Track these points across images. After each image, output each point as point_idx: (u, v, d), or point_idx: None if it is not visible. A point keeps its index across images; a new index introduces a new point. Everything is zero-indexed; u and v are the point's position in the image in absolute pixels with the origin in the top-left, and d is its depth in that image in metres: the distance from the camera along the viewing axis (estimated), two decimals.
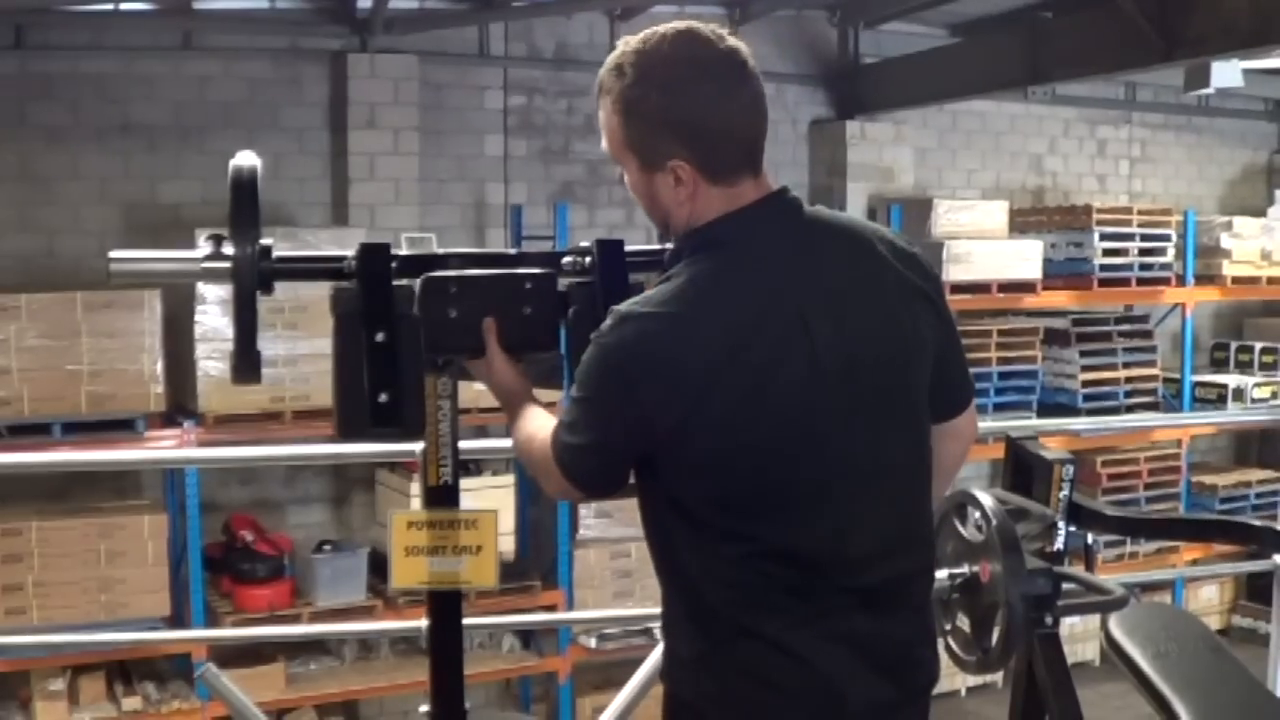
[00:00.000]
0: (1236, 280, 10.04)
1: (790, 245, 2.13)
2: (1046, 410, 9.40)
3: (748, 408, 2.03)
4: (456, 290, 2.43)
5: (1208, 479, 10.23)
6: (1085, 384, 9.55)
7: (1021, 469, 3.39)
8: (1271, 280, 10.15)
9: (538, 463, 2.28)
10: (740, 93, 2.11)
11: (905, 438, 2.20)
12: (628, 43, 2.13)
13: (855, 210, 8.92)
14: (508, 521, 7.36)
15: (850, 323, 2.10)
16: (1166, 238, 9.69)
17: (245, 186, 2.33)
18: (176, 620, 7.15)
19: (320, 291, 2.46)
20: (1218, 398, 10.04)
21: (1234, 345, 10.68)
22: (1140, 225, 9.59)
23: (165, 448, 6.96)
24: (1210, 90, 9.27)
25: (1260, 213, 10.75)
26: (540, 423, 2.33)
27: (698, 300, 2.06)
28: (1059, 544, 3.23)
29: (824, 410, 2.07)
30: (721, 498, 2.08)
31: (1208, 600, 10.30)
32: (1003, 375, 9.21)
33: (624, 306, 2.10)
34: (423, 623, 2.71)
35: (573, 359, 2.41)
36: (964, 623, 2.90)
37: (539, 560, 8.19)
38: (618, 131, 2.14)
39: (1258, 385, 10.05)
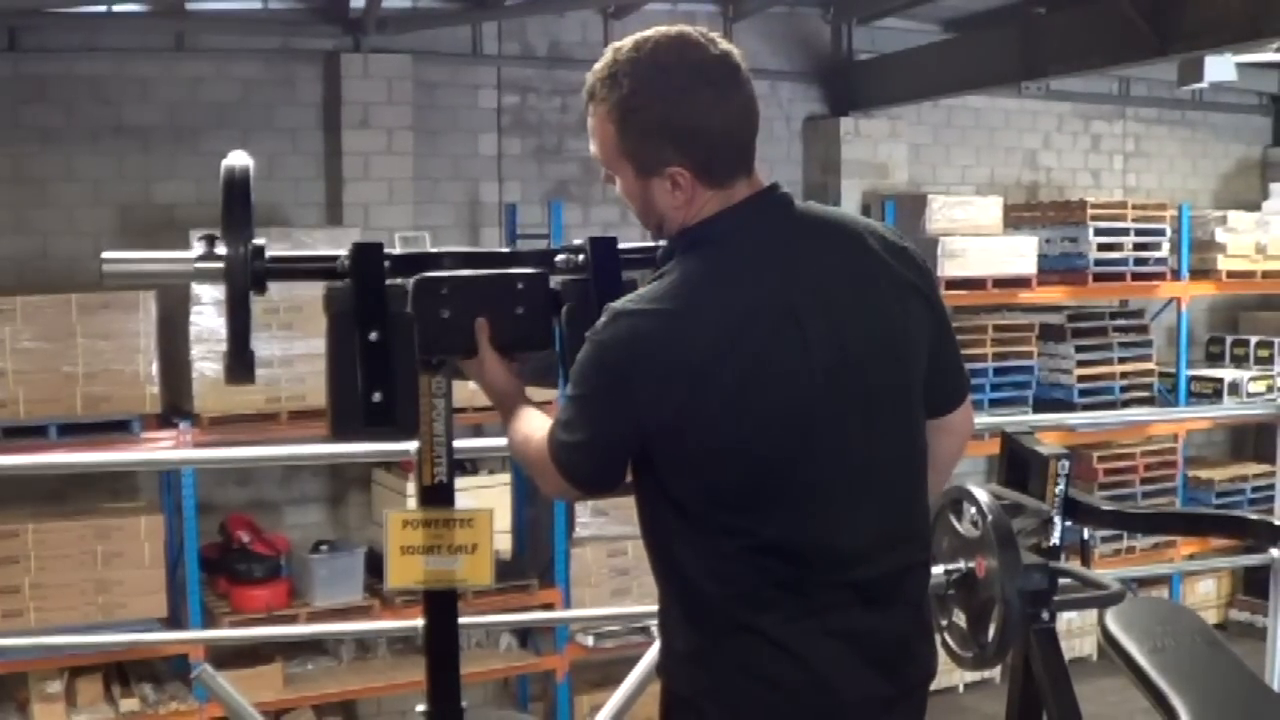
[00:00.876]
0: (1231, 274, 10.03)
1: (782, 241, 2.14)
2: (1042, 406, 9.41)
3: (741, 404, 2.03)
4: (449, 291, 2.43)
5: (1204, 473, 10.24)
6: (1081, 379, 9.55)
7: (1017, 464, 3.39)
8: (1266, 274, 10.14)
9: (534, 462, 2.28)
10: (735, 97, 2.12)
11: (900, 433, 2.20)
12: (619, 49, 2.12)
13: (850, 207, 8.92)
14: (504, 520, 7.36)
15: (843, 318, 2.11)
16: (1161, 232, 9.69)
17: (237, 186, 2.33)
18: (173, 621, 7.15)
19: (315, 291, 2.45)
20: (1213, 392, 10.04)
21: (1229, 339, 10.67)
22: (1135, 220, 9.58)
23: (161, 449, 6.95)
24: (1204, 85, 9.27)
25: (1255, 207, 10.74)
26: (535, 423, 2.33)
27: (691, 297, 2.06)
28: (1055, 539, 3.24)
29: (817, 406, 2.08)
30: (716, 493, 2.08)
31: (1205, 595, 10.31)
32: (998, 371, 9.21)
33: (618, 304, 2.11)
34: (419, 622, 2.71)
35: (567, 357, 2.41)
36: (960, 618, 2.90)
37: (536, 559, 8.19)
38: (612, 140, 2.13)
39: (1253, 379, 10.06)
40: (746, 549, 2.08)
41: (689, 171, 2.10)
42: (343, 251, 2.43)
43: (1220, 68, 8.71)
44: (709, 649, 2.12)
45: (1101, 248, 9.41)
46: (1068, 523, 3.29)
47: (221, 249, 2.34)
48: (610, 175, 2.21)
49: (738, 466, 2.06)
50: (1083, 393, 9.54)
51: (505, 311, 2.45)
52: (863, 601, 2.12)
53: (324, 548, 7.67)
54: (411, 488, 4.67)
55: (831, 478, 2.11)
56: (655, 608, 2.27)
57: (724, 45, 2.12)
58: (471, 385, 2.53)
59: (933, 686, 2.29)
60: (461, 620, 2.72)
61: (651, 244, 2.57)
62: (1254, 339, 10.50)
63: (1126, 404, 9.62)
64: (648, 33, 2.13)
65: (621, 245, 2.55)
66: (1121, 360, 9.74)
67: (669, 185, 2.12)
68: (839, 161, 9.47)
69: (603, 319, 2.10)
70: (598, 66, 2.14)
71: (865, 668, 2.12)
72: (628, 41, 2.12)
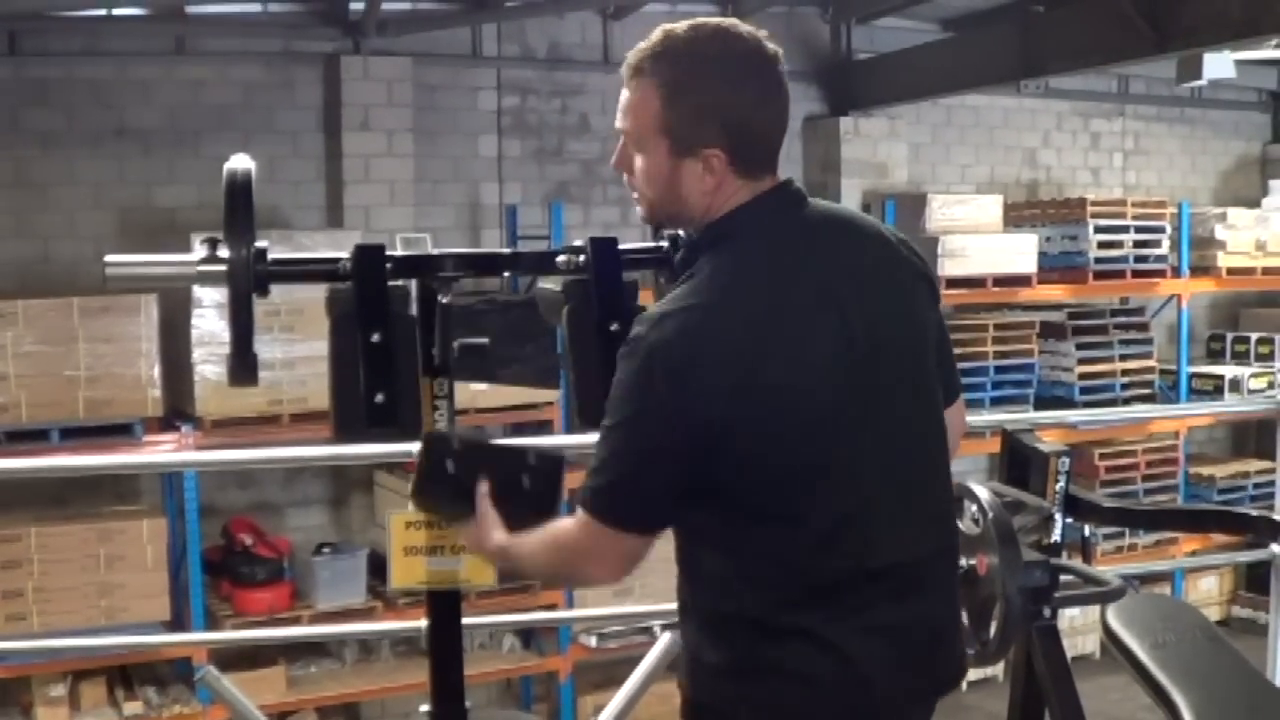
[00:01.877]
0: (1231, 271, 10.03)
1: (807, 230, 2.17)
2: (1044, 403, 9.41)
3: (789, 393, 2.04)
4: (461, 448, 2.39)
5: (1205, 470, 10.23)
6: (1082, 377, 9.55)
7: (1018, 462, 3.40)
8: (1266, 271, 10.14)
9: (570, 552, 2.19)
10: (777, 97, 2.17)
11: (928, 417, 2.24)
12: (672, 30, 2.14)
13: (850, 206, 8.91)
14: None
15: (871, 304, 2.14)
16: (1161, 230, 9.69)
17: (240, 189, 2.34)
18: (176, 624, 7.14)
19: (317, 294, 2.46)
20: (1214, 389, 10.04)
21: (1230, 336, 10.67)
22: (1135, 217, 9.58)
23: (163, 452, 6.95)
24: (1203, 82, 9.27)
25: (1254, 203, 10.75)
26: (540, 533, 2.25)
27: (732, 286, 2.07)
28: (1056, 536, 3.24)
29: (858, 391, 2.10)
30: (762, 489, 2.06)
31: (1207, 591, 10.31)
32: (999, 369, 9.20)
33: (657, 308, 2.08)
34: (423, 623, 2.72)
35: (569, 355, 2.42)
36: (962, 615, 2.91)
37: None
38: (655, 114, 2.12)
39: (1254, 376, 10.05)
40: (788, 545, 2.08)
41: (725, 156, 2.11)
42: (344, 254, 2.44)
43: (1219, 65, 8.71)
44: (745, 655, 2.10)
45: (1102, 245, 9.41)
46: (1069, 520, 3.30)
47: (224, 251, 2.35)
48: (625, 158, 2.20)
49: (785, 457, 2.05)
50: (1084, 390, 9.55)
51: (511, 480, 2.36)
52: (900, 593, 2.14)
53: (326, 550, 7.68)
54: None
55: (873, 465, 2.12)
56: (658, 608, 2.27)
57: (773, 48, 2.16)
58: (474, 386, 2.54)
59: None
60: (464, 621, 2.72)
61: (652, 244, 2.59)
62: (1254, 336, 10.50)
63: (1127, 401, 9.62)
64: (702, 20, 2.15)
65: (622, 246, 2.56)
66: (1122, 358, 9.74)
67: (701, 168, 2.12)
68: (839, 161, 9.48)
69: (642, 326, 2.06)
70: (645, 45, 2.14)
71: (903, 661, 2.13)
72: (681, 25, 2.14)
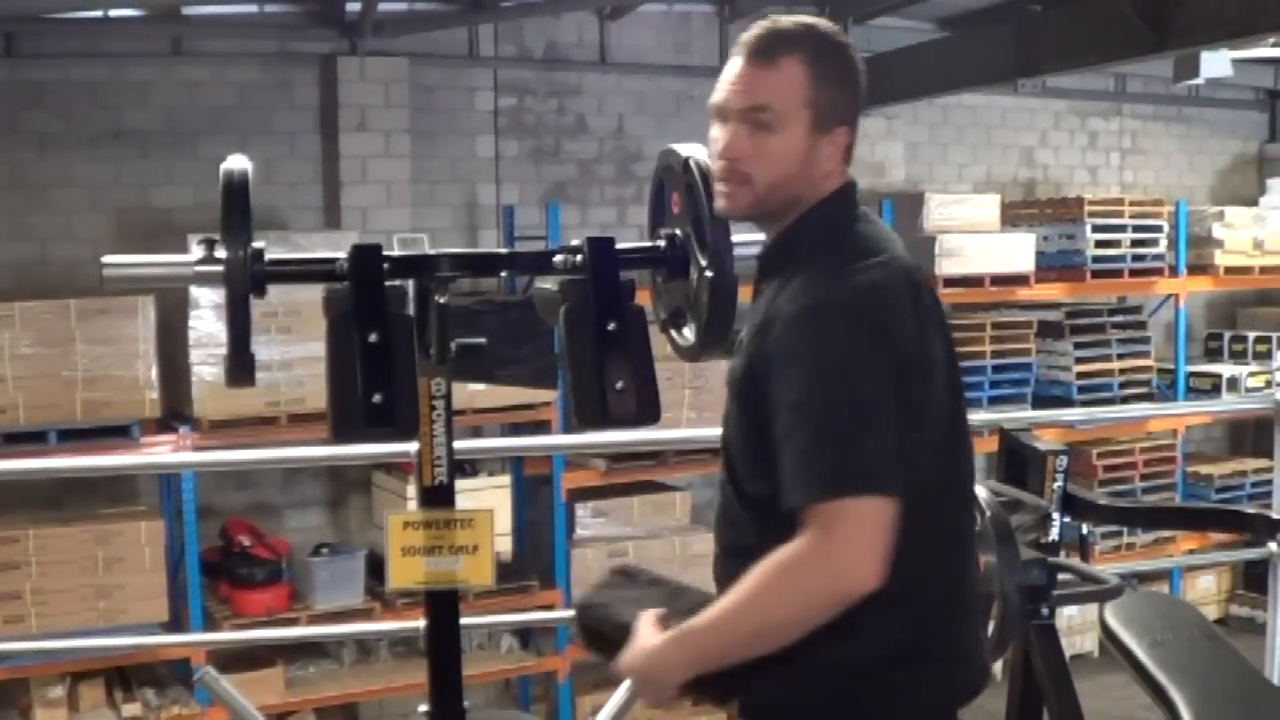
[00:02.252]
0: (1229, 270, 10.04)
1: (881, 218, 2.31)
2: (1042, 403, 9.41)
3: (940, 356, 2.11)
4: (647, 581, 2.43)
5: (1203, 469, 10.24)
6: (1080, 376, 9.56)
7: (1015, 461, 3.41)
8: (1264, 270, 10.15)
9: (811, 567, 1.91)
10: None
11: None
12: (785, 19, 2.18)
13: None
14: (505, 521, 7.36)
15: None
16: (1158, 229, 9.70)
17: (236, 190, 2.34)
18: (175, 625, 7.14)
19: (314, 295, 2.45)
20: (1212, 388, 10.05)
21: (1228, 335, 10.68)
22: (1132, 216, 9.60)
23: (161, 453, 6.95)
24: (1200, 80, 9.27)
25: (1252, 202, 10.76)
26: (743, 584, 1.96)
27: (877, 254, 2.12)
28: (1054, 535, 3.25)
29: (957, 370, 2.19)
30: (932, 447, 2.07)
31: (1205, 590, 10.31)
32: (997, 369, 9.21)
33: (826, 274, 2.07)
34: (421, 624, 2.71)
35: (566, 355, 2.41)
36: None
37: (536, 560, 8.19)
38: (802, 89, 2.15)
39: (1251, 375, 10.06)
40: (932, 512, 2.06)
41: (848, 137, 2.23)
42: (342, 254, 2.44)
43: (1216, 64, 8.70)
44: (895, 639, 2.05)
45: (1099, 244, 9.42)
46: (1066, 518, 3.30)
47: (221, 252, 2.34)
48: (741, 143, 2.16)
49: (946, 419, 2.10)
50: (1081, 389, 9.55)
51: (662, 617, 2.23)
52: (972, 567, 2.25)
53: (325, 551, 7.68)
54: (412, 490, 4.68)
55: (967, 443, 2.20)
56: None
57: None
58: (471, 387, 2.53)
59: None
60: (463, 621, 2.72)
61: (648, 244, 2.58)
62: (1252, 334, 10.51)
63: (1125, 400, 9.62)
64: (817, 19, 2.23)
65: (619, 245, 2.55)
66: (1120, 357, 9.74)
67: (829, 147, 2.20)
68: None
69: (813, 296, 2.02)
70: (767, 29, 2.16)
71: (975, 629, 2.27)
72: (787, 17, 2.20)
